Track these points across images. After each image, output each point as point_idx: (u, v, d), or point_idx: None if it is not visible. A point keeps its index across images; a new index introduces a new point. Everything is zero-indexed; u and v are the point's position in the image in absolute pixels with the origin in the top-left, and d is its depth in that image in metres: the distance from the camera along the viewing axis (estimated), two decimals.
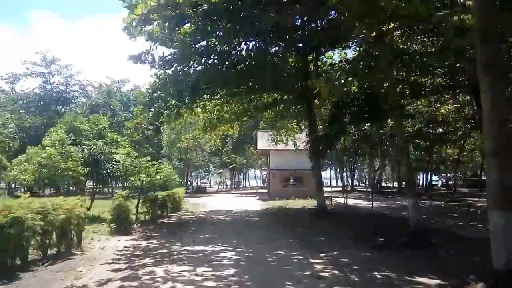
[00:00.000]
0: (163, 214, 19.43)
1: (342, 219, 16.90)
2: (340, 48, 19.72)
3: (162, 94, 14.64)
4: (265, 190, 48.63)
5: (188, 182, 56.41)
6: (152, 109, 14.79)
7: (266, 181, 77.18)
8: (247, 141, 47.71)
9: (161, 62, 13.67)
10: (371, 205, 26.40)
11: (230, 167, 47.90)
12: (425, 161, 54.92)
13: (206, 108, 22.13)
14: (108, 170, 16.18)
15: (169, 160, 43.72)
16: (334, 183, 63.84)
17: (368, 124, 20.52)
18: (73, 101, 43.41)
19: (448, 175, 74.76)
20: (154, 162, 21.84)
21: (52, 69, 44.39)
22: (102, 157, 15.89)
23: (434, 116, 31.01)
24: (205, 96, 18.63)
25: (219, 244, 10.67)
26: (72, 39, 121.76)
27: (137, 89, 41.69)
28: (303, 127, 26.41)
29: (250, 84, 19.80)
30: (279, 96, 20.98)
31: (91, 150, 15.39)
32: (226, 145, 47.94)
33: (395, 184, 77.00)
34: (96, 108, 36.46)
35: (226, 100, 21.73)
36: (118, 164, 15.73)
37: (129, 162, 15.85)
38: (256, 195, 40.04)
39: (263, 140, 35.07)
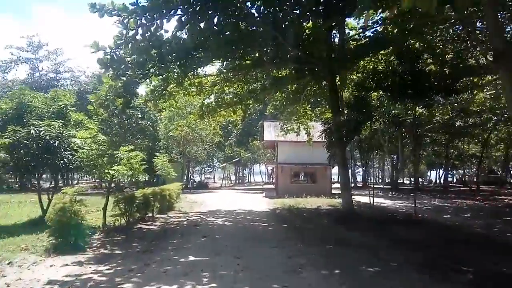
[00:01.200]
0: (146, 216, 15.17)
1: (380, 227, 12.49)
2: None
3: (130, 53, 10.32)
4: (272, 186, 44.30)
5: (190, 177, 52.22)
6: (114, 72, 10.44)
7: (272, 176, 72.94)
8: (252, 133, 43.29)
9: (132, 8, 9.34)
10: (398, 205, 22.18)
11: (234, 161, 43.66)
12: (443, 156, 50.48)
13: (203, 87, 17.82)
14: (66, 160, 11.89)
15: (167, 153, 39.53)
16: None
17: (409, 101, 16.00)
18: (63, 89, 39.23)
19: (462, 171, 70.09)
20: (138, 152, 17.63)
21: (40, 54, 40.35)
22: (57, 142, 11.59)
23: (469, 104, 26.45)
24: (197, 67, 14.26)
25: (205, 283, 6.31)
26: (76, 34, 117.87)
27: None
28: (317, 113, 21.97)
29: (257, 55, 15.51)
30: (293, 71, 16.58)
31: (41, 133, 11.10)
32: (230, 137, 43.54)
33: (405, 180, 72.75)
34: (85, 95, 32.31)
35: (226, 76, 17.42)
36: (81, 150, 11.42)
37: (94, 148, 11.53)
38: (262, 191, 35.73)
39: (270, 131, 30.70)
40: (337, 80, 16.89)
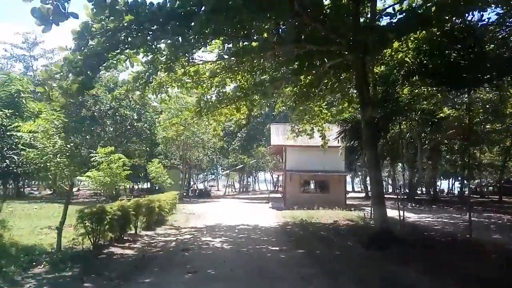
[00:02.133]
0: (126, 234, 11.93)
1: (432, 256, 9.09)
2: None
3: (105, 23, 7.26)
4: (279, 195, 40.88)
5: (193, 185, 48.89)
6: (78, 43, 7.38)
7: (279, 185, 69.36)
8: (257, 139, 40.00)
9: None
10: (427, 219, 18.66)
11: (238, 167, 40.44)
12: (459, 164, 46.91)
13: (200, 78, 14.70)
14: (9, 161, 8.70)
15: (167, 159, 36.40)
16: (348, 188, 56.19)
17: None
18: None
19: (477, 181, 66.18)
20: (120, 155, 14.47)
21: (35, 52, 37.68)
22: None
23: (502, 105, 22.95)
24: (190, 48, 11.16)
25: None
26: None
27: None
28: (334, 113, 18.71)
29: (266, 35, 12.39)
30: (310, 57, 13.38)
31: None
32: (233, 142, 40.30)
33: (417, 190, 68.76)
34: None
35: (228, 64, 14.31)
36: (29, 149, 8.25)
37: (50, 146, 8.36)
38: (268, 201, 32.35)
39: (278, 135, 27.47)
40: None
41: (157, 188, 35.45)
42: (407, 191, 44.43)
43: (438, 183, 75.60)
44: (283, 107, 18.69)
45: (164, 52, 11.38)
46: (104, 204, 11.38)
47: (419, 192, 64.21)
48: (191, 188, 44.06)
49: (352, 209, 23.98)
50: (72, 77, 8.01)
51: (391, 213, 22.50)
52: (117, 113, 29.16)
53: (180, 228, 15.10)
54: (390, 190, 68.80)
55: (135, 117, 30.59)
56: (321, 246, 11.01)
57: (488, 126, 31.64)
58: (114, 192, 14.91)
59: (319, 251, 10.10)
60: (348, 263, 8.57)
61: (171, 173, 34.78)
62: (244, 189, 64.67)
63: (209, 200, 35.62)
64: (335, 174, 25.63)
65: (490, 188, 66.18)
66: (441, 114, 17.05)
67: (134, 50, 10.61)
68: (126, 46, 9.23)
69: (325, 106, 18.35)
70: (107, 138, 28.84)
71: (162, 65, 11.93)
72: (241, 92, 15.79)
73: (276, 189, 63.51)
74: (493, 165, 48.38)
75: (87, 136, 29.24)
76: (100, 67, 8.62)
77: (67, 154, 8.93)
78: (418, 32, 12.35)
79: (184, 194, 34.70)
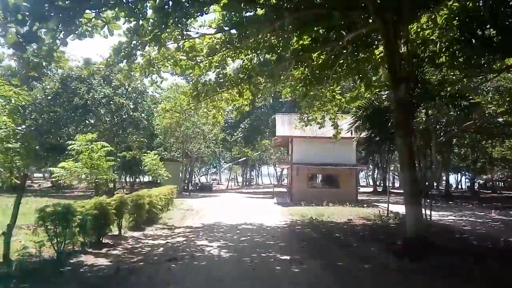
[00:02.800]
0: (106, 237, 9.93)
1: (487, 271, 6.99)
2: None
3: None
4: (283, 190, 38.87)
5: (193, 178, 46.91)
6: None
7: (284, 178, 67.34)
8: (260, 131, 37.81)
9: None
10: (450, 218, 16.45)
11: (240, 160, 38.39)
12: (471, 159, 44.73)
13: (197, 55, 12.58)
14: None
15: (166, 151, 34.41)
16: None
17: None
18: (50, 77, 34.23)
19: (487, 176, 63.82)
20: (103, 143, 12.44)
21: None
22: None
23: None
24: (182, 15, 9.09)
25: None
26: None
27: None
28: (348, 100, 16.53)
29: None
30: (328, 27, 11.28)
31: None
32: (236, 133, 38.16)
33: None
34: (68, 81, 27.27)
35: (229, 39, 12.19)
36: None
37: None
38: (273, 196, 30.31)
39: (284, 125, 25.34)
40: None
41: (158, 181, 33.63)
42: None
43: (445, 178, 73.28)
44: (291, 93, 16.51)
45: (150, 20, 9.31)
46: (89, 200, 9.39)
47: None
48: (192, 182, 42.09)
49: (365, 205, 21.91)
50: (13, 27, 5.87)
51: (401, 208, 20.55)
52: (111, 102, 27.12)
53: (173, 227, 13.07)
54: (397, 185, 66.62)
55: (132, 106, 28.53)
56: (341, 254, 8.93)
57: (502, 119, 29.42)
58: (97, 185, 12.83)
59: (341, 262, 8.02)
60: (386, 283, 6.48)
61: (170, 166, 32.85)
62: (247, 183, 62.74)
63: (210, 195, 33.67)
64: (346, 167, 23.52)
65: (501, 183, 63.95)
66: (476, 99, 14.85)
67: (112, 14, 8.56)
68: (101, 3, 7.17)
69: (339, 91, 16.18)
70: (103, 129, 26.82)
71: (148, 36, 9.80)
72: (244, 73, 13.67)
73: (280, 183, 61.59)
74: (505, 160, 46.15)
75: (80, 126, 27.26)
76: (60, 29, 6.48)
77: (21, 139, 6.85)
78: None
79: (185, 188, 32.75)
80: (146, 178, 44.63)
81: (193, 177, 42.24)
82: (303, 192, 23.94)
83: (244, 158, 37.26)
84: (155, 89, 29.14)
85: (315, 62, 13.72)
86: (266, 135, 37.45)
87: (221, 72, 13.72)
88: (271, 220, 15.61)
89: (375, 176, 50.88)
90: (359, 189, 31.32)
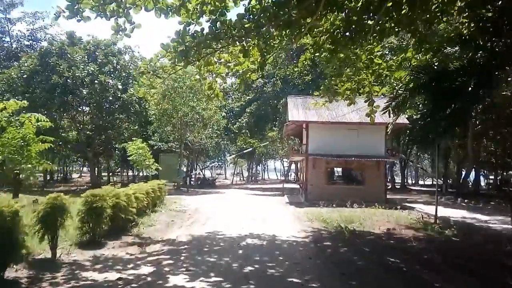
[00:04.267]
0: (13, 267, 5.78)
1: None
2: None
3: None
4: (293, 185, 34.66)
5: (195, 172, 42.70)
6: None
7: (292, 174, 62.87)
8: (269, 117, 33.35)
9: None
10: None
11: (246, 151, 34.22)
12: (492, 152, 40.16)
13: None
14: None
15: (163, 141, 30.33)
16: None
17: None
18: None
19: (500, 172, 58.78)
20: (40, 117, 8.30)
21: (13, 15, 31.67)
22: None
23: None
24: None
25: None
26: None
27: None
28: (390, 63, 12.18)
29: None
30: None
31: None
32: (241, 119, 33.75)
33: (425, 181, 60.82)
34: (48, 57, 23.15)
35: None
36: None
37: None
38: (283, 193, 26.12)
39: (298, 109, 21.05)
40: None
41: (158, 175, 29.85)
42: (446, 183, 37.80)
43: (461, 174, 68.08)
44: (313, 55, 12.10)
45: None
46: None
47: (428, 183, 57.41)
48: (193, 176, 37.97)
49: (398, 207, 17.61)
50: None
51: (443, 211, 16.29)
52: (96, 81, 23.01)
53: (147, 243, 8.94)
54: (421, 182, 62.00)
55: (120, 87, 24.41)
56: None
57: None
58: (18, 178, 8.72)
59: None
60: None
61: (167, 158, 28.82)
62: (252, 178, 58.61)
63: (212, 191, 29.55)
64: (373, 160, 19.21)
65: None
66: None
67: None
68: None
69: (379, 52, 11.82)
70: (88, 111, 22.79)
71: None
72: (251, 21, 9.34)
73: (287, 178, 57.33)
74: None
75: (60, 110, 23.26)
76: None
77: None
78: None
79: (181, 183, 28.71)
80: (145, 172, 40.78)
81: (193, 171, 38.09)
82: (320, 190, 19.70)
83: (250, 148, 33.06)
84: (121, 39, 24.87)
85: (353, 3, 9.36)
86: (275, 124, 33.13)
87: (219, 19, 9.43)
88: (286, 229, 11.43)
89: (393, 171, 46.27)
90: (389, 186, 26.91)
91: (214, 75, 11.65)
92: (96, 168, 31.22)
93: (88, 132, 26.85)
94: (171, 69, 10.87)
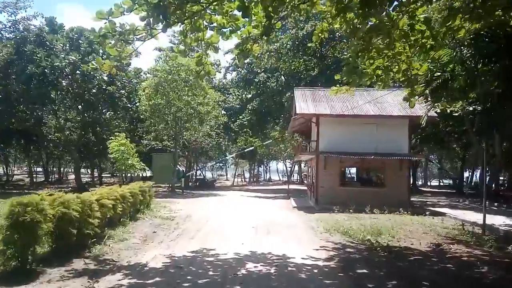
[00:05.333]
0: None
1: None
2: None
3: None
4: (300, 187, 31.83)
5: (191, 173, 39.77)
6: None
7: (294, 174, 59.85)
8: (273, 114, 30.49)
9: None
10: None
11: (247, 149, 31.51)
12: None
13: None
14: None
15: (157, 140, 27.54)
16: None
17: None
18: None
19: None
20: None
21: None
22: None
23: None
24: None
25: None
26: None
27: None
28: (438, 29, 9.29)
29: None
30: None
31: None
32: (242, 116, 30.82)
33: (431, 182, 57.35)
34: (24, 45, 20.45)
35: None
36: None
37: None
38: (288, 195, 23.30)
39: (306, 101, 18.26)
40: None
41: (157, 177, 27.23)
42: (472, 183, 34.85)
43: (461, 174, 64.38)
44: (335, 22, 9.26)
45: None
46: None
47: (434, 183, 54.33)
48: (191, 177, 35.13)
49: (427, 213, 14.76)
50: None
51: (476, 217, 13.50)
52: (78, 71, 20.32)
53: (103, 272, 6.14)
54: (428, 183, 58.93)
55: (105, 78, 21.68)
56: None
57: None
58: None
59: None
60: None
61: (161, 158, 26.10)
62: (254, 180, 55.77)
63: (210, 193, 26.66)
64: (395, 158, 16.37)
65: None
66: None
67: None
68: None
69: (422, 17, 8.99)
70: (68, 105, 20.05)
71: None
72: None
73: (293, 179, 54.48)
74: None
75: (38, 103, 20.50)
76: None
77: None
78: None
79: (179, 185, 25.95)
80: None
81: (190, 171, 35.26)
82: (333, 193, 16.88)
83: (252, 147, 30.25)
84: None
85: None
86: (279, 122, 30.31)
87: None
88: (300, 245, 8.62)
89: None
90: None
91: (204, 46, 8.72)
92: (88, 168, 28.44)
93: (72, 129, 24.20)
94: (145, 34, 7.93)
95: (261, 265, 6.70)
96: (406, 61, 9.69)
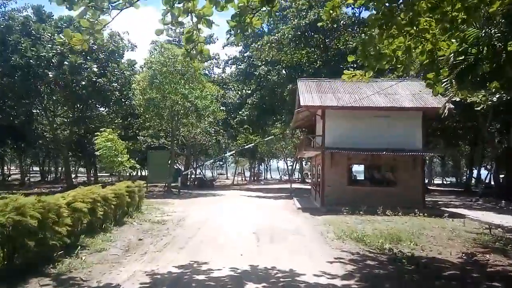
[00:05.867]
0: None
1: None
2: None
3: None
4: (303, 186, 30.49)
5: (187, 171, 38.39)
6: None
7: (301, 172, 58.27)
8: (274, 111, 29.07)
9: None
10: None
11: (247, 146, 30.12)
12: None
13: None
14: None
15: (154, 137, 26.25)
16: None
17: None
18: None
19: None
20: None
21: None
22: None
23: None
24: None
25: None
26: None
27: None
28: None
29: None
30: None
31: None
32: (242, 111, 29.31)
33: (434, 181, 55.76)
34: (9, 35, 18.96)
35: None
36: None
37: None
38: (291, 195, 21.94)
39: (311, 93, 16.85)
40: None
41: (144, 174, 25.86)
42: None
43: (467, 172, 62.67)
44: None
45: None
46: None
47: (438, 182, 52.76)
48: (189, 176, 33.75)
49: (446, 216, 13.36)
50: None
51: (496, 218, 12.20)
52: (66, 62, 18.91)
53: None
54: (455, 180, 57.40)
55: (95, 69, 20.27)
56: None
57: None
58: None
59: None
60: None
61: (157, 156, 24.74)
62: (255, 178, 54.40)
63: (209, 193, 25.26)
64: (408, 154, 14.99)
65: None
66: None
67: None
68: None
69: None
70: (56, 98, 18.64)
71: None
72: None
73: (292, 178, 53.09)
74: None
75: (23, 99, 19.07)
76: None
77: None
78: None
79: (179, 184, 24.57)
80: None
81: (188, 169, 33.85)
82: (340, 192, 15.51)
83: (252, 144, 28.87)
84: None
85: None
86: (281, 118, 28.88)
87: None
88: (309, 256, 7.25)
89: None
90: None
91: (195, 19, 7.24)
92: (80, 167, 27.06)
93: (61, 124, 22.80)
94: (123, 1, 6.43)
95: (263, 286, 5.33)
96: (432, 40, 8.20)
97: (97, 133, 15.04)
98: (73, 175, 57.46)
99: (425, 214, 13.07)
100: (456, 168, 58.07)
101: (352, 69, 9.51)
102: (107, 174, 48.33)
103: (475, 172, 37.68)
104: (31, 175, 50.91)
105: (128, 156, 15.93)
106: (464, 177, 48.09)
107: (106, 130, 15.26)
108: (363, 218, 12.43)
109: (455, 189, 37.74)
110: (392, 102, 15.57)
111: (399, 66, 8.12)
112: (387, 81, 17.94)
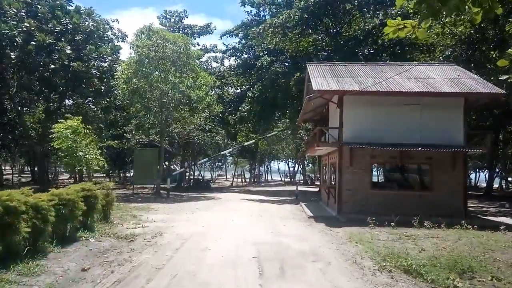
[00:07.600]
0: None
1: None
2: None
3: None
4: (307, 188, 27.43)
5: (180, 171, 35.09)
6: None
7: (304, 173, 54.81)
8: (278, 105, 25.78)
9: None
10: None
11: (246, 144, 27.03)
12: None
13: None
14: None
15: (142, 133, 23.28)
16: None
17: None
18: None
19: None
20: None
21: None
22: None
23: None
24: None
25: None
26: None
27: None
28: None
29: None
30: None
31: None
32: (241, 107, 25.99)
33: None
34: None
35: None
36: None
37: None
38: (297, 199, 18.87)
39: (325, 76, 13.77)
40: None
41: (127, 175, 22.88)
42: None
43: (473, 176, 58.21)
44: None
45: None
46: None
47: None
48: (183, 176, 30.60)
49: (503, 228, 10.32)
50: None
51: None
52: (32, 41, 15.90)
53: None
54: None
55: (68, 51, 17.20)
56: None
57: None
58: None
59: None
60: None
61: (145, 154, 21.76)
62: (255, 180, 51.29)
63: (203, 196, 22.08)
64: (445, 151, 11.93)
65: None
66: None
67: None
68: None
69: None
70: (17, 84, 15.59)
71: None
72: None
73: (294, 180, 50.02)
74: None
75: None
76: None
77: None
78: None
79: (171, 185, 21.53)
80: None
81: (181, 170, 30.63)
82: (363, 198, 12.45)
83: (252, 141, 25.79)
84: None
85: None
86: (286, 113, 25.74)
87: None
88: None
89: None
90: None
91: None
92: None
93: (30, 117, 19.83)
94: None
95: None
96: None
97: (61, 120, 11.94)
98: (68, 175, 54.30)
99: (474, 226, 10.00)
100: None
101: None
102: (103, 174, 45.26)
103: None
104: (26, 175, 47.78)
105: (99, 152, 12.84)
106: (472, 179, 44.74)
107: (67, 116, 12.16)
108: (398, 232, 9.38)
109: (472, 192, 34.59)
110: (427, 86, 12.52)
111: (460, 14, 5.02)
112: (416, 65, 14.89)
